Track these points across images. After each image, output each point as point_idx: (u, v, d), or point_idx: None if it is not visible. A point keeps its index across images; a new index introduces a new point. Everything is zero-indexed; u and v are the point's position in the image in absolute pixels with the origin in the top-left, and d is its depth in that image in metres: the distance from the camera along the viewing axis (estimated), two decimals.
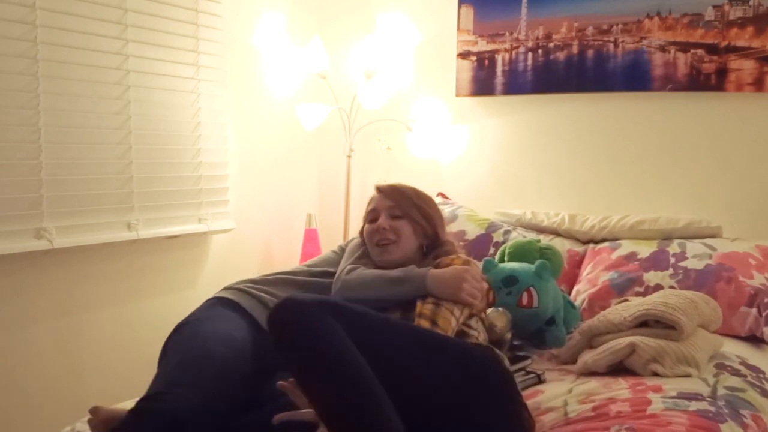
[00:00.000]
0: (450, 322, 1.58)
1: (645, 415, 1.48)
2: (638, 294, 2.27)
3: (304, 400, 1.31)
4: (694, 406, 1.51)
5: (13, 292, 2.17)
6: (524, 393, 1.67)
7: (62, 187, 2.25)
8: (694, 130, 2.68)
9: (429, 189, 3.16)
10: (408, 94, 3.21)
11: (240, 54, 2.94)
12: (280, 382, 1.38)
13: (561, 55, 2.89)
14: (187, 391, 1.34)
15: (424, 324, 1.55)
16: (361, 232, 1.92)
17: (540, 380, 1.79)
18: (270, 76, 3.08)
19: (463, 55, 3.10)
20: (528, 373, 1.80)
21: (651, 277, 2.32)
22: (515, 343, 2.13)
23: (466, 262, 1.73)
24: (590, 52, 2.83)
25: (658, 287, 2.27)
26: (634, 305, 1.93)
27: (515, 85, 3.00)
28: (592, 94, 2.85)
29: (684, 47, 2.64)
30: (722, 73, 2.58)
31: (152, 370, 1.49)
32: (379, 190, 1.91)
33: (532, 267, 2.09)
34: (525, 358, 1.93)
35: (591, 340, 1.93)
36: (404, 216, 1.85)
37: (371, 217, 1.88)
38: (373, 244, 1.84)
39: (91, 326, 2.36)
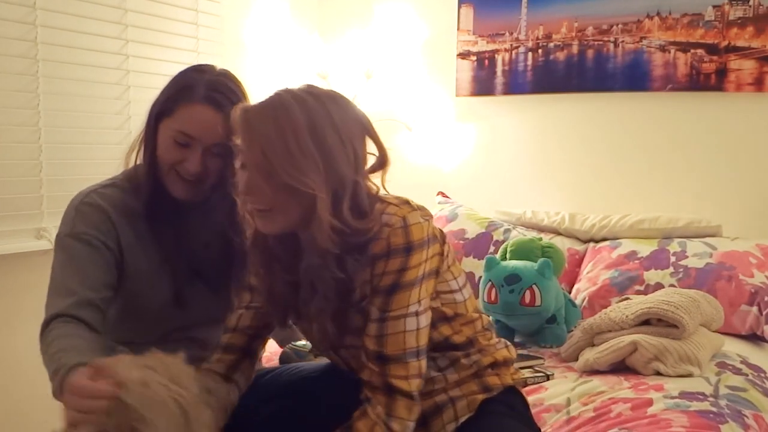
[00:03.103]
0: None
1: (645, 416, 1.48)
2: (638, 292, 2.27)
3: None
4: (695, 406, 1.51)
5: (13, 292, 2.17)
6: (529, 389, 1.67)
7: (62, 187, 2.24)
8: (694, 130, 2.68)
9: (429, 188, 3.23)
10: (408, 94, 3.21)
11: (240, 54, 2.94)
12: None
13: (561, 55, 2.89)
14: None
15: None
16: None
17: (548, 379, 1.79)
18: (270, 76, 3.08)
19: (463, 55, 3.10)
20: (537, 371, 1.80)
21: (651, 275, 2.33)
22: (517, 341, 2.13)
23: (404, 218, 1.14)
24: (590, 52, 2.83)
25: (658, 286, 2.27)
26: (635, 303, 1.93)
27: (515, 85, 3.00)
28: (592, 94, 2.85)
29: (684, 47, 2.64)
30: (722, 73, 2.58)
31: None
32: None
33: (534, 265, 2.09)
34: (537, 357, 1.94)
35: (593, 338, 1.93)
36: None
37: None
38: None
39: None
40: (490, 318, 1.64)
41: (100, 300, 1.28)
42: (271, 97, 1.12)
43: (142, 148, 1.37)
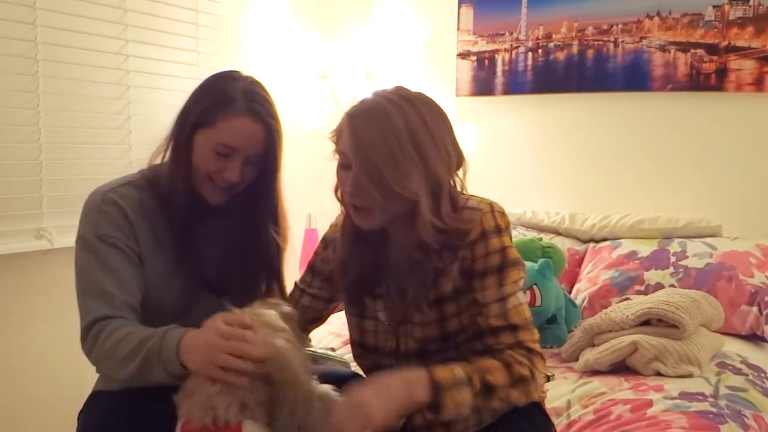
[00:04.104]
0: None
1: (645, 418, 1.48)
2: (639, 293, 2.27)
3: None
4: (695, 406, 1.51)
5: (13, 292, 2.17)
6: None
7: (62, 187, 2.25)
8: (694, 130, 2.68)
9: None
10: None
11: (240, 54, 2.94)
12: None
13: (561, 55, 2.89)
14: None
15: None
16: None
17: (548, 380, 1.79)
18: (270, 77, 3.07)
19: (463, 55, 3.10)
20: None
21: (651, 275, 2.33)
22: None
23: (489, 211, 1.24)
24: (590, 52, 2.83)
25: (658, 286, 2.27)
26: (636, 304, 1.93)
27: (515, 85, 3.00)
28: (592, 94, 2.85)
29: (684, 47, 2.64)
30: (722, 73, 2.58)
31: None
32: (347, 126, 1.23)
33: (535, 265, 2.09)
34: None
35: (593, 339, 1.93)
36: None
37: (341, 161, 1.27)
38: (344, 203, 1.31)
39: None
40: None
41: (135, 302, 1.30)
42: (370, 102, 1.20)
43: (170, 153, 1.36)
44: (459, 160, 1.27)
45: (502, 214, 1.26)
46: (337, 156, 1.26)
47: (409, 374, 1.11)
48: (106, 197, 1.33)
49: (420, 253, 1.22)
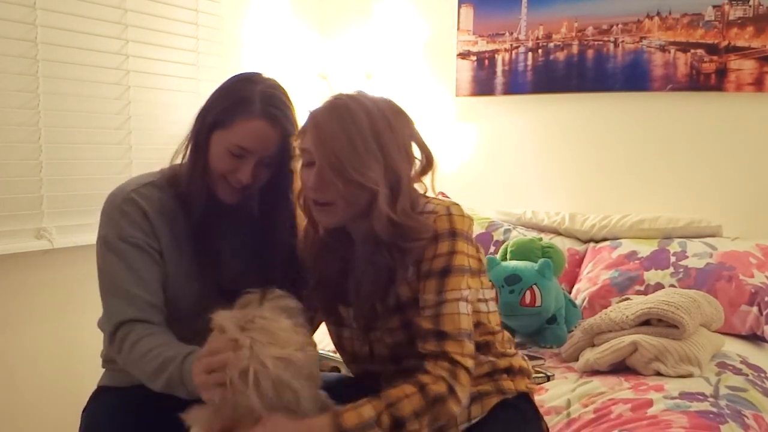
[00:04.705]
0: None
1: (645, 417, 1.48)
2: (639, 293, 2.27)
3: None
4: (695, 406, 1.51)
5: (13, 292, 2.17)
6: None
7: (62, 187, 2.24)
8: (694, 130, 2.68)
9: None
10: (408, 94, 3.21)
11: (240, 54, 2.93)
12: None
13: (561, 55, 2.89)
14: None
15: None
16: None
17: (548, 380, 1.79)
18: (269, 77, 3.07)
19: (463, 55, 3.10)
20: (537, 372, 1.80)
21: (651, 275, 2.33)
22: (518, 341, 2.13)
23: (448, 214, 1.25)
24: (590, 52, 2.83)
25: (658, 286, 2.27)
26: (636, 304, 1.93)
27: (515, 85, 3.00)
28: (592, 94, 2.85)
29: (684, 47, 2.64)
30: (722, 73, 2.58)
31: None
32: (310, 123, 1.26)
33: (534, 265, 2.09)
34: (537, 358, 1.94)
35: (593, 339, 1.93)
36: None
37: (304, 159, 1.27)
38: (305, 199, 1.31)
39: (90, 326, 2.34)
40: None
41: (159, 302, 1.32)
42: (333, 102, 1.23)
43: (189, 152, 1.38)
44: (427, 163, 1.29)
45: (462, 217, 1.25)
46: (300, 156, 1.26)
47: (312, 423, 1.10)
48: (128, 197, 1.34)
49: (372, 247, 1.23)
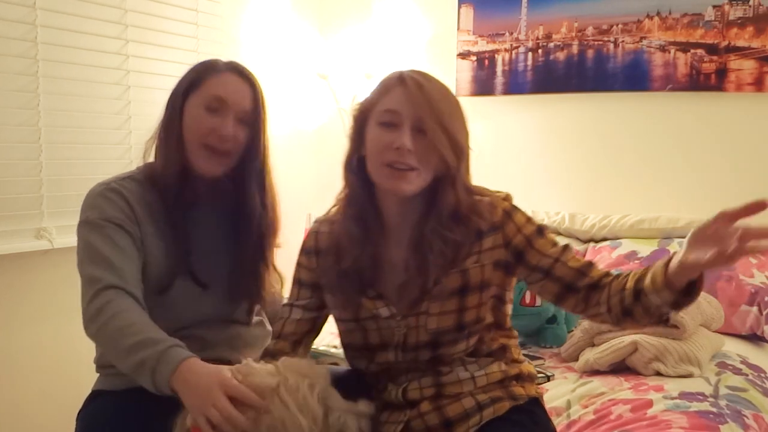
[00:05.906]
0: None
1: (645, 418, 1.48)
2: None
3: None
4: (695, 406, 1.51)
5: (13, 292, 2.17)
6: None
7: (62, 187, 2.24)
8: (694, 130, 2.68)
9: None
10: None
11: (240, 54, 2.93)
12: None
13: (561, 55, 2.89)
14: None
15: None
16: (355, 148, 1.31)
17: (548, 380, 1.79)
18: (270, 77, 3.08)
19: (463, 55, 3.10)
20: (538, 372, 1.80)
21: None
22: (518, 341, 2.13)
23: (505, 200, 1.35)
24: (590, 52, 2.83)
25: None
26: None
27: (515, 85, 3.00)
28: (592, 94, 2.85)
29: (684, 47, 2.64)
30: (722, 73, 2.58)
31: None
32: (406, 83, 1.23)
33: None
34: (537, 358, 1.94)
35: (593, 338, 1.94)
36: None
37: (388, 119, 1.23)
38: (384, 163, 1.23)
39: None
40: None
41: (138, 281, 1.31)
42: (416, 71, 1.25)
43: (162, 128, 1.40)
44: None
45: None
46: (380, 117, 1.23)
47: None
48: (109, 187, 1.36)
49: (436, 224, 1.24)
